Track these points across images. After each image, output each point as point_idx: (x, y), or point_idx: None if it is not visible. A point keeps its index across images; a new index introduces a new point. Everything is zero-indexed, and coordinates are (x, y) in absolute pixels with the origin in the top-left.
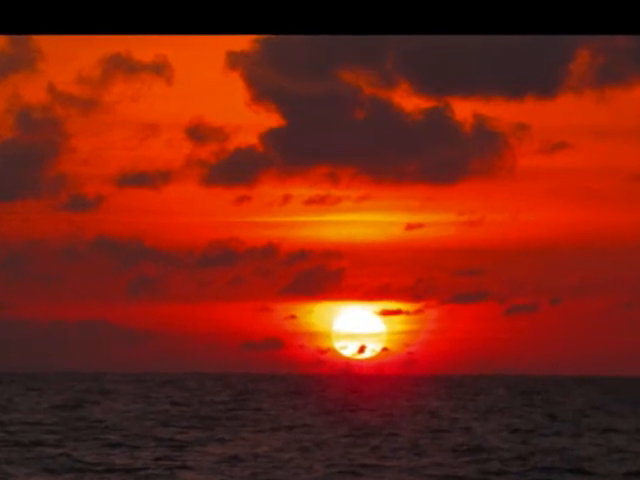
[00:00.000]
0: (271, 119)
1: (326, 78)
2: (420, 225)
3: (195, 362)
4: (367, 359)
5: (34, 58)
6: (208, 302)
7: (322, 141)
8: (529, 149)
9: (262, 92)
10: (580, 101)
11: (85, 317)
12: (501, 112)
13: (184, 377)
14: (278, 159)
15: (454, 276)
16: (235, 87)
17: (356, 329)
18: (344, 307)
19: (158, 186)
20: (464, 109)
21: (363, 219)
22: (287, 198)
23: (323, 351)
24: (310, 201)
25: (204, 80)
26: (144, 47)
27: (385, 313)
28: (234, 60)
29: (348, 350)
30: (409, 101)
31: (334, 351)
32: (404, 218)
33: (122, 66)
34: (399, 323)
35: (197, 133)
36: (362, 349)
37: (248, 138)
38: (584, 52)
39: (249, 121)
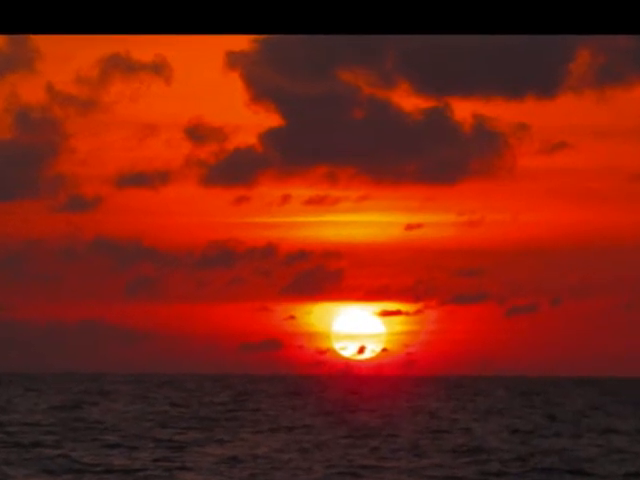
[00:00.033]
0: (270, 119)
1: (325, 78)
2: (420, 225)
3: (194, 363)
4: (366, 360)
5: (32, 58)
6: (207, 302)
7: (321, 141)
8: (529, 149)
9: (261, 92)
10: (580, 101)
11: (84, 318)
12: (501, 112)
13: (183, 378)
14: (277, 159)
15: (454, 277)
16: (234, 87)
17: (355, 330)
18: (343, 308)
19: (157, 186)
20: (464, 109)
21: (362, 219)
22: (286, 198)
23: (322, 352)
24: (309, 201)
25: (203, 80)
26: (143, 47)
27: (385, 314)
28: (233, 60)
29: (347, 351)
30: (408, 101)
31: (333, 352)
32: (404, 218)
33: (121, 66)
34: (399, 324)
35: (196, 133)
36: (361, 350)
37: (247, 138)
38: (584, 52)
39: (248, 121)
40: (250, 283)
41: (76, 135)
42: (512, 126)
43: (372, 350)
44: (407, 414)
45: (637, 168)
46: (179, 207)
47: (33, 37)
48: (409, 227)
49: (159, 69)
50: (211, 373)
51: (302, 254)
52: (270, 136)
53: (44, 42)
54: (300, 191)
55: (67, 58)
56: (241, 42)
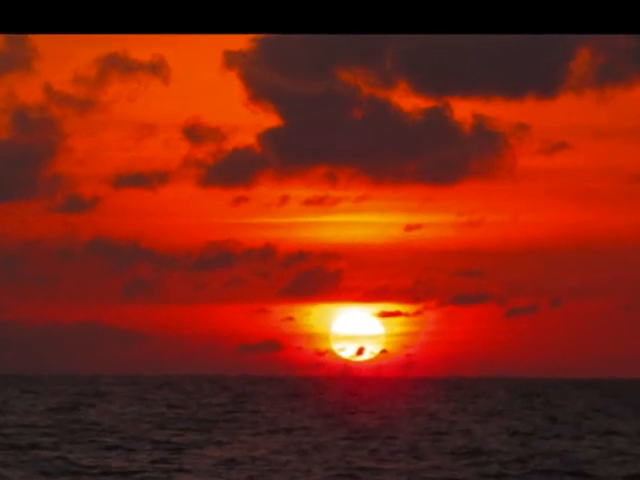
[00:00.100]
0: (269, 119)
1: (324, 78)
2: (419, 226)
3: (192, 364)
4: (366, 361)
5: (30, 57)
6: (205, 304)
7: (320, 141)
8: (529, 149)
9: (260, 92)
10: (580, 101)
11: (81, 319)
12: (501, 112)
13: (181, 379)
14: (276, 159)
15: (453, 277)
16: (232, 87)
17: (354, 331)
18: (342, 309)
19: (155, 187)
20: (463, 109)
21: (362, 220)
22: (285, 199)
23: (321, 353)
24: (308, 202)
25: (201, 80)
26: (141, 46)
27: (384, 315)
28: (231, 59)
29: (346, 352)
30: (408, 101)
31: (332, 353)
32: (403, 219)
33: (118, 66)
34: (398, 325)
35: (194, 133)
36: (360, 351)
37: (246, 138)
38: (584, 51)
39: (246, 121)
40: (248, 284)
41: (73, 135)
42: (512, 126)
43: (371, 351)
44: (406, 416)
45: (637, 168)
46: (177, 208)
47: (30, 37)
48: (408, 228)
49: (157, 69)
50: (209, 374)
51: (301, 255)
52: (269, 136)
53: (41, 42)
54: (299, 191)
55: (65, 58)
56: (239, 41)
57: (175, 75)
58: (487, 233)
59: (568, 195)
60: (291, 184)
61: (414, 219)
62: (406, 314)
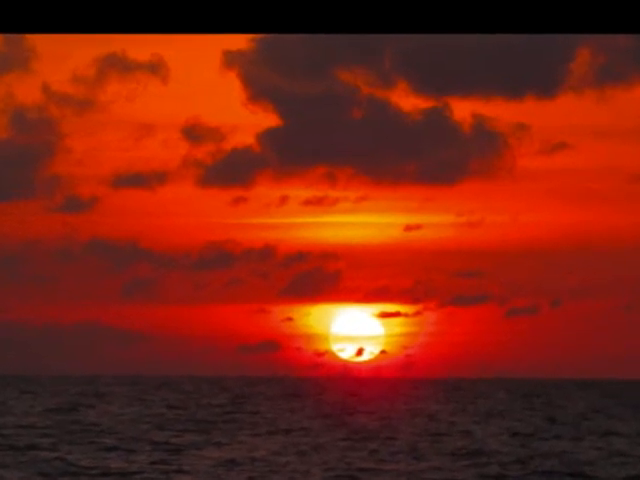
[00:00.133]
0: (268, 119)
1: (323, 78)
2: (419, 226)
3: (191, 365)
4: (365, 362)
5: (28, 57)
6: (204, 304)
7: (320, 141)
8: (529, 149)
9: (259, 92)
10: (580, 101)
11: (80, 319)
12: (501, 112)
13: (180, 380)
14: (275, 160)
15: (453, 278)
16: (231, 87)
17: (354, 331)
18: (342, 309)
19: (153, 187)
20: (463, 109)
21: (361, 220)
22: (284, 199)
23: (321, 354)
24: (307, 202)
25: (200, 80)
26: (139, 46)
27: (383, 315)
28: (230, 59)
29: (346, 353)
30: (407, 101)
31: (332, 354)
32: (402, 219)
33: (117, 65)
34: (397, 325)
35: (193, 133)
36: (360, 352)
37: (245, 138)
38: (584, 51)
39: (246, 121)
40: (248, 284)
41: (72, 135)
42: (512, 126)
43: (371, 352)
44: (406, 417)
45: (637, 168)
46: (176, 208)
47: (29, 36)
48: (408, 228)
49: (156, 68)
50: (208, 375)
51: (300, 255)
52: (268, 136)
53: (40, 41)
54: (298, 192)
55: (63, 57)
56: (238, 41)
57: (174, 75)
58: (487, 233)
59: (568, 195)
60: (290, 184)
61: (414, 219)
62: (406, 315)
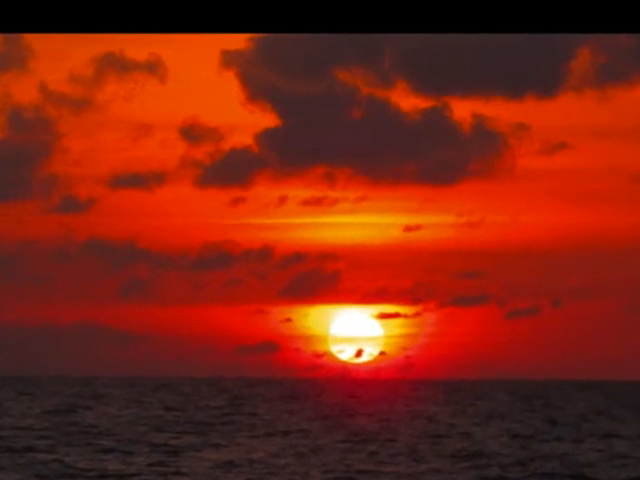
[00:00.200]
0: (267, 119)
1: (322, 77)
2: (418, 227)
3: (189, 366)
4: (364, 363)
5: (25, 57)
6: (203, 305)
7: (319, 141)
8: (529, 149)
9: (257, 91)
10: (580, 101)
11: (77, 319)
12: (500, 112)
13: (178, 381)
14: (274, 160)
15: (453, 279)
16: (230, 86)
17: (353, 333)
18: (341, 310)
19: (151, 187)
20: (463, 109)
21: (360, 221)
22: (283, 199)
23: (319, 355)
24: (306, 202)
25: (198, 79)
26: (137, 46)
27: (383, 316)
28: (229, 59)
29: (345, 354)
30: (407, 101)
31: (331, 355)
32: (402, 220)
33: (115, 65)
34: (397, 326)
35: (191, 133)
36: (359, 353)
37: (243, 138)
38: (585, 51)
39: (244, 121)
40: (246, 285)
41: (69, 135)
42: (512, 126)
43: (370, 353)
44: (405, 418)
45: (637, 168)
46: (174, 208)
47: (26, 36)
48: (408, 228)
49: (153, 68)
50: (207, 376)
51: (299, 256)
52: (266, 136)
53: (37, 41)
54: (297, 192)
55: (60, 57)
56: (237, 41)
57: (172, 75)
58: (487, 234)
59: (568, 195)
60: (289, 184)
61: (413, 220)
62: (405, 316)
